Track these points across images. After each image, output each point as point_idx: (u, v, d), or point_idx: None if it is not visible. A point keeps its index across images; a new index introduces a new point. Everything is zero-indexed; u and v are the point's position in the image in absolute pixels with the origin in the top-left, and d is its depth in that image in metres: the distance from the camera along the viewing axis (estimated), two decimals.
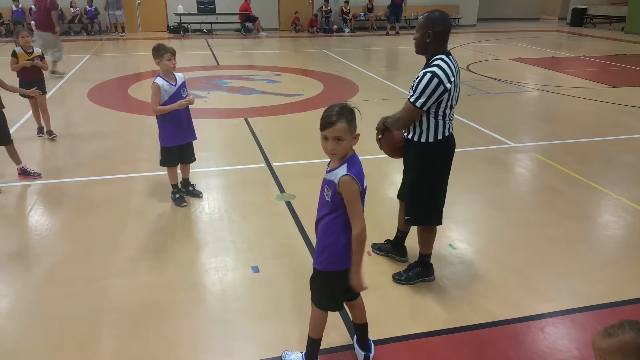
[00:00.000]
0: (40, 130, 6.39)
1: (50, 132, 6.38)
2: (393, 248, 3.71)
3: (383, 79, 10.53)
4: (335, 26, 19.97)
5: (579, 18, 22.45)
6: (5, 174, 5.23)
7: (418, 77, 2.98)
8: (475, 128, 6.94)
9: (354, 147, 2.33)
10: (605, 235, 4.15)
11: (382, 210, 4.45)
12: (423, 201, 3.21)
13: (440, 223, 3.28)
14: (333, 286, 2.44)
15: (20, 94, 5.82)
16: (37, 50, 6.10)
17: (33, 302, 3.22)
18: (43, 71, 6.24)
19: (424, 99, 2.94)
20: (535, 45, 15.96)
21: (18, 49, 5.96)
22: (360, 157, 2.36)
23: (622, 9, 20.66)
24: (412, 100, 2.98)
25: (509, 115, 7.75)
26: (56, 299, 3.23)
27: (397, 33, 18.99)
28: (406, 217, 3.31)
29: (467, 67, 11.61)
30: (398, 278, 3.43)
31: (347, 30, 19.93)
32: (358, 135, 2.30)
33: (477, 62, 12.35)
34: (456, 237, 4.05)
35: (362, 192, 2.30)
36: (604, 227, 4.28)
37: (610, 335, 1.51)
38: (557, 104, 8.45)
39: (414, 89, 2.99)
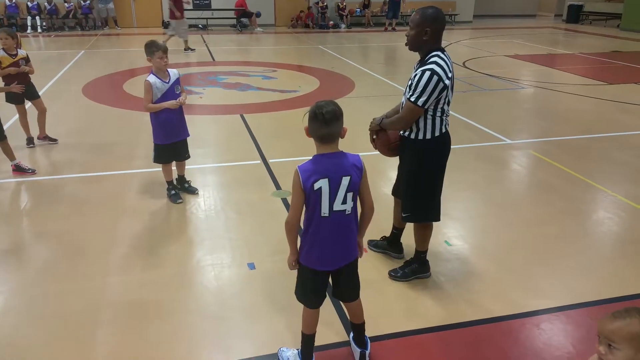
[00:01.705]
0: (29, 141, 5.93)
1: (46, 137, 6.11)
2: (389, 245, 3.71)
3: (379, 75, 10.52)
4: (331, 22, 19.92)
5: (575, 15, 22.50)
6: None
7: (416, 75, 2.94)
8: (471, 125, 6.94)
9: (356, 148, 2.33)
10: (601, 232, 4.17)
11: (377, 207, 4.40)
12: (420, 198, 3.21)
13: (438, 219, 3.28)
14: (300, 278, 2.51)
15: (6, 99, 5.58)
16: (22, 53, 5.67)
17: (28, 299, 3.20)
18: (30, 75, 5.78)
19: (425, 97, 2.91)
20: (532, 42, 15.97)
21: (0, 52, 5.49)
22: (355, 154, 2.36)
23: (618, 6, 20.70)
24: (412, 99, 2.94)
25: (505, 112, 7.76)
26: (52, 296, 3.22)
27: (394, 29, 18.98)
28: (404, 215, 3.30)
29: (463, 63, 11.61)
30: (394, 275, 3.43)
31: (343, 26, 19.87)
32: (306, 131, 2.30)
33: (473, 59, 12.35)
34: (452, 233, 4.05)
35: (309, 192, 2.26)
36: (600, 224, 4.30)
37: (617, 318, 1.58)
38: (553, 101, 8.46)
39: (413, 88, 2.95)
